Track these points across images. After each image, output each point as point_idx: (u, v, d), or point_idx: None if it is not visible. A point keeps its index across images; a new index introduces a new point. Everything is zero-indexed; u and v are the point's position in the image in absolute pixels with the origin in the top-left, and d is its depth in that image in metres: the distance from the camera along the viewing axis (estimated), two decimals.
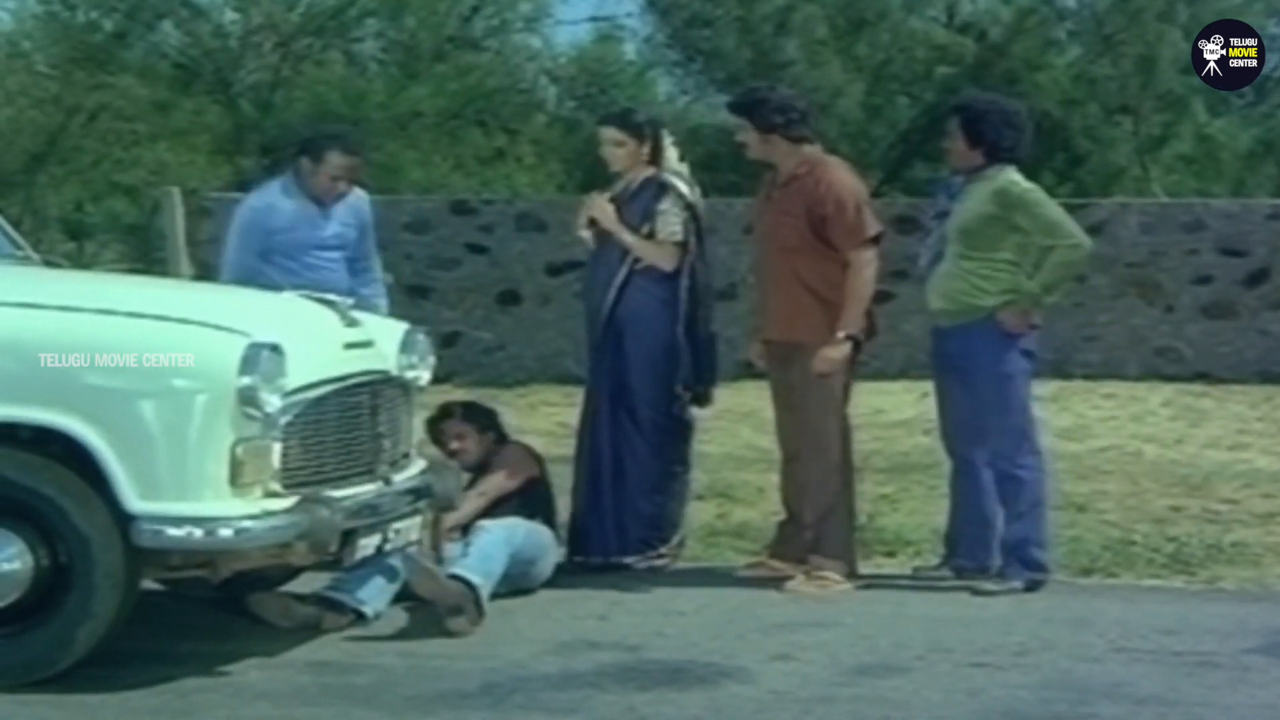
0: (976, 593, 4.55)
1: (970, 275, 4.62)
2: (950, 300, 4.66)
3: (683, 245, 4.84)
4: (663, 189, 4.86)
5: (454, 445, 4.68)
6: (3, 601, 3.64)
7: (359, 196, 4.99)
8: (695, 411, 4.93)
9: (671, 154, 4.91)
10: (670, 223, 4.83)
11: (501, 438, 4.77)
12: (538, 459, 4.75)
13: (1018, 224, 4.61)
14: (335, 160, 4.86)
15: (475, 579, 4.14)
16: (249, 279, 4.65)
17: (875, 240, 4.68)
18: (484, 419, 4.76)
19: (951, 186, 4.78)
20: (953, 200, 4.72)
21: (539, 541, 4.52)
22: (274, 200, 4.81)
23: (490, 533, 4.32)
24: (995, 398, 4.61)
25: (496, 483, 4.58)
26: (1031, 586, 4.60)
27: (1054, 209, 4.70)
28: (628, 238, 4.82)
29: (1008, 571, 4.61)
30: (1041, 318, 4.76)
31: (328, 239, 4.84)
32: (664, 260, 4.84)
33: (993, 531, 4.67)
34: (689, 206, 4.88)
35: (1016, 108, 4.86)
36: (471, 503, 4.53)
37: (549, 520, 4.67)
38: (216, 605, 4.23)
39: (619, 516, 4.81)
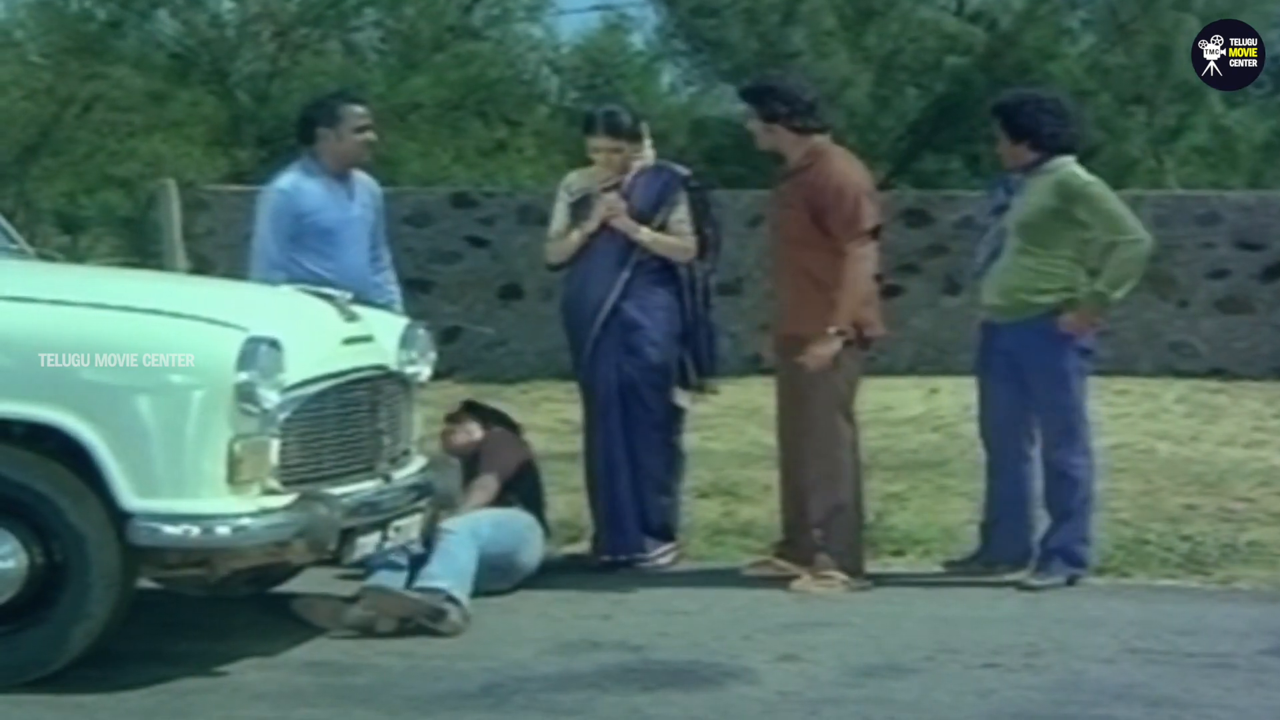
0: (1022, 587, 4.53)
1: (1028, 272, 4.57)
2: (1007, 297, 4.60)
3: (698, 234, 4.81)
4: (676, 179, 4.83)
5: (459, 437, 4.64)
6: None
7: (372, 180, 4.91)
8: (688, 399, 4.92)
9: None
10: (685, 213, 4.80)
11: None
12: (524, 440, 4.72)
13: (1079, 218, 4.55)
14: (352, 114, 4.74)
15: (441, 584, 4.09)
16: (282, 265, 4.57)
17: (873, 234, 4.62)
18: (491, 417, 4.73)
19: (1009, 182, 4.73)
20: (1011, 195, 4.66)
21: (514, 530, 4.47)
22: (300, 182, 4.71)
23: (452, 534, 4.28)
24: (1050, 395, 4.57)
25: (492, 478, 4.55)
26: (1071, 581, 4.59)
27: (1116, 203, 4.62)
28: (644, 235, 4.77)
29: (1051, 566, 4.58)
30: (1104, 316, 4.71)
31: (353, 220, 4.76)
32: (683, 252, 4.81)
33: (1028, 526, 4.64)
34: (703, 197, 4.85)
35: (1052, 95, 4.84)
36: (474, 499, 4.49)
37: (535, 507, 4.61)
38: (213, 604, 4.18)
39: (642, 513, 4.78)
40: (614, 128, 4.81)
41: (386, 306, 4.67)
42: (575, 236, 4.84)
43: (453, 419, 4.73)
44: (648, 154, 4.87)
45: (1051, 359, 4.54)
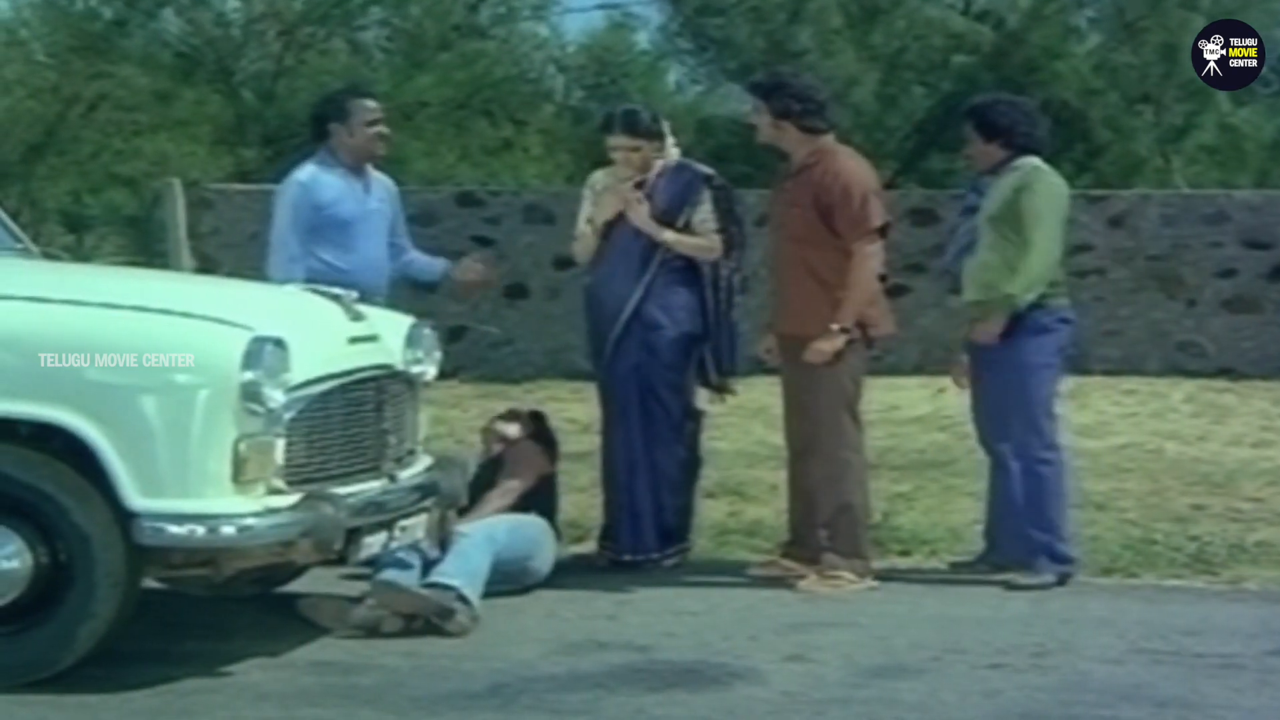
0: (1011, 587, 4.53)
1: (1003, 266, 4.58)
2: (982, 290, 4.63)
3: (722, 232, 4.80)
4: (702, 179, 4.81)
5: (503, 427, 4.69)
6: (2, 600, 3.59)
7: (388, 179, 4.93)
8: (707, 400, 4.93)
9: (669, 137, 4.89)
10: (709, 212, 4.79)
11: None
12: (550, 453, 4.73)
13: (1020, 203, 4.56)
14: (363, 108, 4.75)
15: (452, 581, 4.09)
16: (301, 259, 4.59)
17: (881, 232, 4.62)
18: (541, 438, 4.76)
19: (981, 185, 4.77)
20: (982, 197, 4.70)
21: (528, 536, 4.47)
22: (318, 175, 4.72)
23: (468, 537, 4.28)
24: (1018, 388, 4.59)
25: (514, 486, 4.57)
26: (1061, 580, 4.58)
27: (1047, 208, 4.60)
28: (668, 236, 4.76)
29: (1038, 565, 4.58)
30: (1072, 312, 4.71)
31: (371, 213, 4.78)
32: (708, 251, 4.80)
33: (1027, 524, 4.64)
34: (727, 195, 4.84)
35: (1025, 100, 4.93)
36: (493, 503, 4.50)
37: (549, 514, 4.63)
38: (218, 603, 4.18)
39: (659, 512, 4.78)
40: (631, 126, 4.80)
41: (428, 267, 4.91)
42: (586, 229, 4.83)
43: (515, 415, 4.78)
44: (671, 153, 4.86)
45: (1020, 352, 4.55)
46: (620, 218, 4.79)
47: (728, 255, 4.83)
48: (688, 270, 4.80)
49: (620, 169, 4.83)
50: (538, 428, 4.78)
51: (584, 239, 4.87)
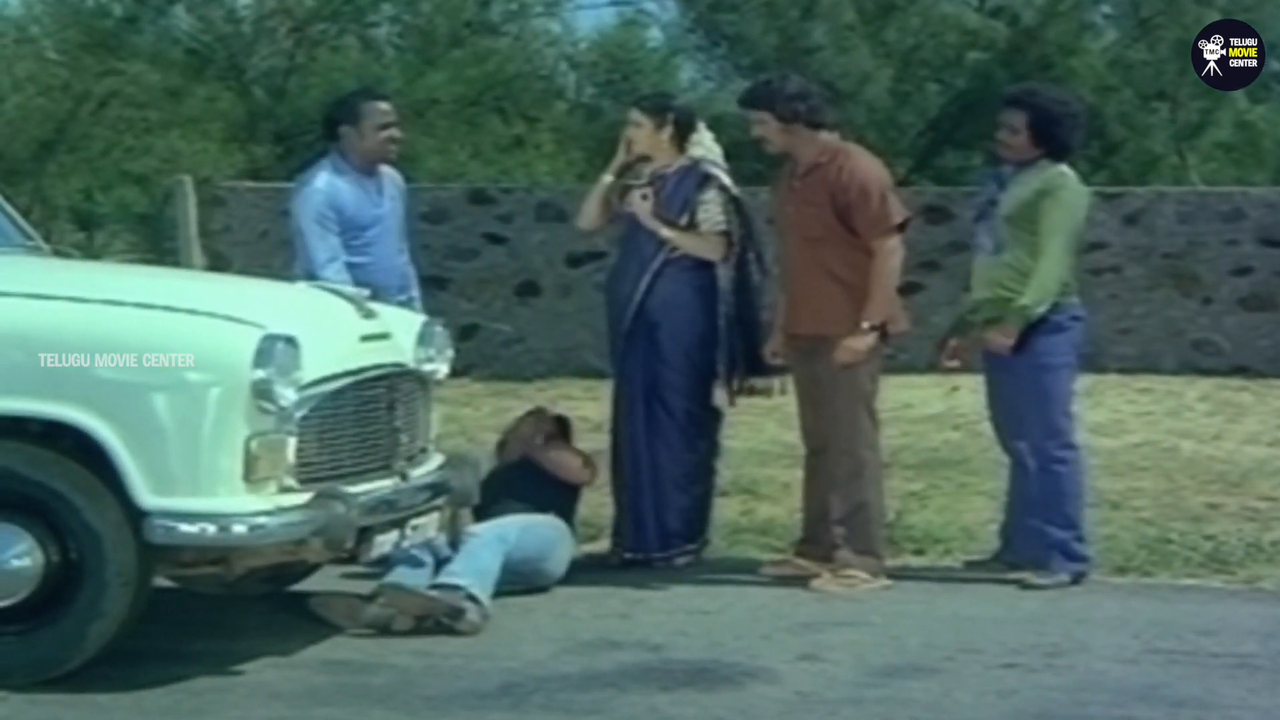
0: (1025, 586, 4.52)
1: (1011, 267, 4.57)
2: (988, 288, 4.63)
3: (727, 234, 4.79)
4: (706, 179, 4.81)
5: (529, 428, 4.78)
6: (13, 599, 3.59)
7: (396, 174, 4.92)
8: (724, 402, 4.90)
9: (706, 137, 4.87)
10: (713, 213, 4.78)
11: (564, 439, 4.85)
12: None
13: (1041, 207, 4.54)
14: (373, 111, 4.74)
15: (461, 580, 4.09)
16: (334, 257, 4.57)
17: (900, 228, 4.61)
18: (558, 425, 4.82)
19: (1001, 177, 4.73)
20: (1002, 191, 4.67)
21: (542, 536, 4.47)
22: (333, 181, 4.72)
23: (478, 537, 4.28)
24: (1034, 389, 4.58)
25: (571, 462, 4.65)
26: (1076, 579, 4.57)
27: (1066, 219, 4.57)
28: (668, 233, 4.76)
29: (1052, 565, 4.57)
30: (1082, 309, 4.70)
31: (383, 215, 4.78)
32: (709, 251, 4.80)
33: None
34: (733, 198, 4.83)
35: (1083, 109, 4.82)
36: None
37: (568, 516, 4.63)
38: (230, 602, 4.17)
39: (660, 512, 4.78)
40: (648, 105, 4.88)
41: (408, 304, 4.69)
42: (602, 180, 4.86)
43: (540, 418, 4.81)
44: (696, 151, 4.84)
45: (1035, 353, 4.54)
46: (634, 214, 4.81)
47: (740, 260, 4.79)
48: (697, 270, 4.79)
49: (657, 159, 4.84)
50: (563, 432, 4.81)
51: (594, 188, 4.90)
